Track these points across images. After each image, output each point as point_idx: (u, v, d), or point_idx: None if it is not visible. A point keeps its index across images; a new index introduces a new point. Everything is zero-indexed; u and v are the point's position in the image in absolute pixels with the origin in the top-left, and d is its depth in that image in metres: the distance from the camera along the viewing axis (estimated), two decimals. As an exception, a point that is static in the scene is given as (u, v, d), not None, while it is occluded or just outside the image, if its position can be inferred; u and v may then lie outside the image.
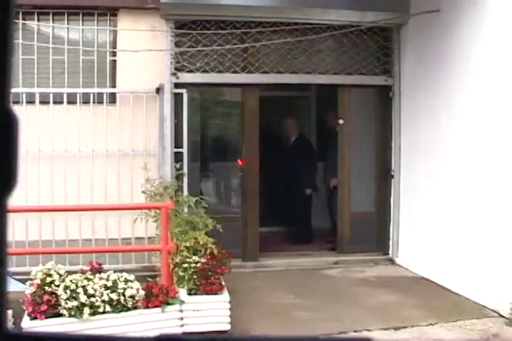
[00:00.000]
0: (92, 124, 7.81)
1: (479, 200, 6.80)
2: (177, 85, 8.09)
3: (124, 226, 7.70)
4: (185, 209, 7.19)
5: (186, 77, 8.15)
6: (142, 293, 5.45)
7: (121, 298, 5.32)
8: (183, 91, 8.04)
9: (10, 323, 5.43)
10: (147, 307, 5.44)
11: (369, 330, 5.99)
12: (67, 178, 7.73)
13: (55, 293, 5.24)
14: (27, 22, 7.89)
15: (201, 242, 6.20)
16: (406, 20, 8.39)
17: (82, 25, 8.06)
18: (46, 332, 0.82)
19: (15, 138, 0.76)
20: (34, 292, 5.26)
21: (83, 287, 5.22)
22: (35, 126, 7.58)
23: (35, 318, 5.17)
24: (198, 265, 5.93)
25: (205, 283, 5.83)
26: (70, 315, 5.18)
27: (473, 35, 6.91)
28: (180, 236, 6.38)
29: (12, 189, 0.77)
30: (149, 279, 5.99)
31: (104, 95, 7.91)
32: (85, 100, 7.82)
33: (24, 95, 7.61)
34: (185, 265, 5.98)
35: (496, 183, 6.51)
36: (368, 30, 8.55)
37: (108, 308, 5.27)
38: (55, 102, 7.75)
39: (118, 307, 5.32)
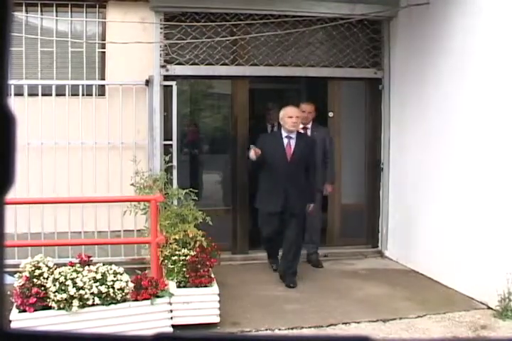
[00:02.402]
0: (81, 116, 7.78)
1: (468, 193, 6.82)
2: (166, 77, 8.07)
3: (114, 219, 7.68)
4: (175, 202, 7.19)
5: (176, 69, 8.13)
6: (131, 285, 5.45)
7: (111, 290, 5.32)
8: (173, 83, 8.01)
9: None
10: (136, 299, 5.44)
11: (358, 322, 6.01)
12: (57, 171, 7.71)
13: (44, 286, 5.24)
14: (15, 13, 7.85)
15: (191, 235, 6.21)
16: (396, 13, 8.40)
17: (71, 16, 8.02)
18: (46, 331, 0.82)
19: (12, 136, 0.76)
20: (23, 284, 5.25)
21: (72, 279, 5.22)
22: (23, 119, 7.55)
23: (24, 311, 5.16)
24: (188, 257, 5.94)
25: (194, 276, 5.83)
26: (59, 308, 5.18)
27: (463, 28, 6.92)
28: (169, 229, 6.38)
29: (10, 186, 0.76)
30: (138, 272, 5.99)
31: (94, 87, 7.88)
32: (74, 92, 7.78)
33: (12, 87, 7.58)
34: (174, 257, 5.98)
35: (486, 175, 6.53)
36: (357, 23, 8.54)
37: (97, 301, 5.27)
38: (43, 94, 7.73)
39: (107, 299, 5.32)
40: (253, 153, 7.09)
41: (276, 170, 7.16)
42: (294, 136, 7.29)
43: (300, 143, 7.29)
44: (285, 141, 7.29)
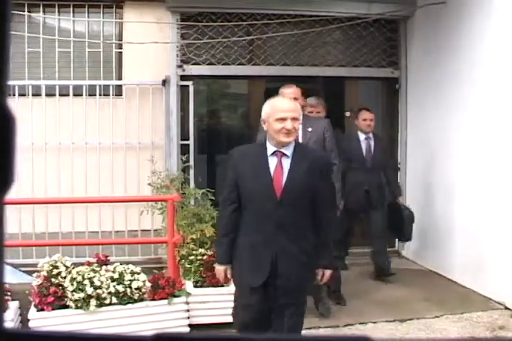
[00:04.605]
0: (99, 117, 7.81)
1: (485, 192, 6.78)
2: (183, 77, 8.09)
3: (131, 219, 7.71)
4: (192, 202, 7.19)
5: (192, 69, 8.15)
6: (149, 285, 5.47)
7: (128, 289, 5.34)
8: (189, 83, 8.04)
9: (17, 314, 5.46)
10: (153, 299, 5.45)
11: (374, 322, 5.99)
12: (74, 171, 7.75)
13: (62, 285, 5.26)
14: (32, 14, 7.90)
15: (208, 234, 6.21)
16: (413, 12, 8.37)
17: (88, 17, 8.05)
18: (46, 331, 0.82)
19: (12, 136, 0.76)
20: (41, 284, 5.28)
21: (90, 279, 5.24)
22: (41, 119, 7.60)
23: (42, 310, 5.19)
24: (205, 257, 5.94)
25: (211, 275, 5.83)
26: (77, 307, 5.20)
27: (480, 26, 6.88)
28: (186, 229, 6.39)
29: (10, 186, 0.76)
30: (155, 271, 6.00)
31: (111, 87, 7.91)
32: (91, 92, 7.82)
33: (30, 87, 7.63)
34: (191, 257, 5.99)
35: (504, 173, 6.49)
36: (374, 22, 8.52)
37: (114, 300, 5.28)
38: (61, 95, 7.76)
39: (124, 299, 5.33)
40: (222, 275, 4.32)
41: (259, 214, 3.99)
42: (289, 151, 4.02)
43: (301, 163, 4.01)
44: (272, 161, 4.02)
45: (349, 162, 7.10)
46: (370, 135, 7.43)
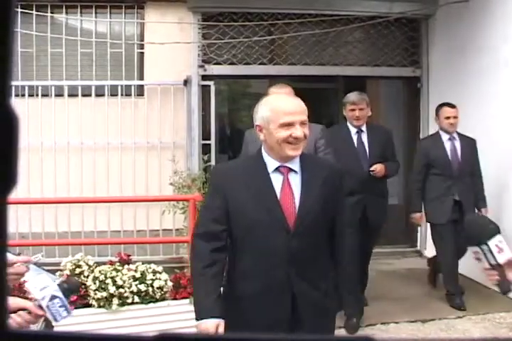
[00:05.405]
0: (120, 117, 7.85)
1: (507, 193, 6.74)
2: (204, 77, 8.11)
3: (152, 218, 7.74)
4: (213, 201, 7.20)
5: (214, 69, 8.16)
6: (170, 284, 5.48)
7: (150, 289, 5.35)
8: (211, 83, 8.05)
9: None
10: (175, 298, 5.46)
11: (396, 323, 5.97)
12: (96, 170, 7.79)
13: (84, 284, 5.29)
14: (55, 15, 7.96)
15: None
16: (434, 11, 8.32)
17: (110, 18, 8.10)
18: (47, 331, 0.83)
19: (15, 136, 0.76)
20: (63, 283, 5.31)
21: (112, 278, 5.26)
22: (63, 119, 7.65)
23: (65, 309, 5.22)
24: (226, 256, 5.94)
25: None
26: (99, 306, 5.23)
27: (503, 25, 6.83)
28: (207, 228, 6.39)
29: (12, 187, 0.77)
30: (177, 271, 6.02)
31: (132, 87, 7.95)
32: (113, 93, 7.86)
33: (53, 88, 7.69)
34: (212, 256, 5.99)
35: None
36: (395, 21, 8.49)
37: (136, 299, 5.30)
38: (83, 95, 7.81)
39: (146, 298, 5.35)
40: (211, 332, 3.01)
41: (265, 252, 2.99)
42: (295, 165, 3.06)
43: (314, 179, 3.05)
44: (275, 180, 3.04)
45: (430, 167, 6.52)
46: (455, 135, 6.56)
